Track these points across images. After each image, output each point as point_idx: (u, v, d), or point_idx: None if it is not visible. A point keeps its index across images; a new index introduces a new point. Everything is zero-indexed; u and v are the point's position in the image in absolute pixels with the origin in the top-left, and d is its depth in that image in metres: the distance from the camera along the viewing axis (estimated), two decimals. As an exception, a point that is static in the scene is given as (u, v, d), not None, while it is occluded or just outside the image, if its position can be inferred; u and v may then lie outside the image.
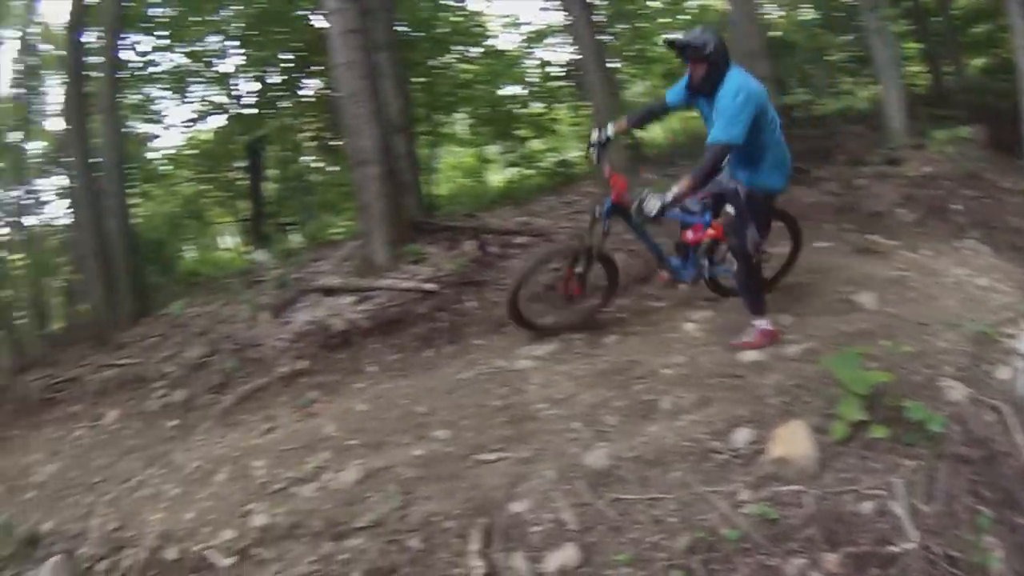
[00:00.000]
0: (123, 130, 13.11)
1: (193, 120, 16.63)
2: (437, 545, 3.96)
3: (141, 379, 8.58)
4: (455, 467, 4.64)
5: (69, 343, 12.29)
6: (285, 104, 15.85)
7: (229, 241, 20.09)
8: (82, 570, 4.81)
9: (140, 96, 16.00)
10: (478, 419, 5.25)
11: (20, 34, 17.23)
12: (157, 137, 17.02)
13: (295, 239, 16.36)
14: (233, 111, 15.99)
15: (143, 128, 16.43)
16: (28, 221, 17.65)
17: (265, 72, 15.05)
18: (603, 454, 4.22)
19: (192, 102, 16.38)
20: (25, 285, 17.27)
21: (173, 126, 17.03)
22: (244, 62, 15.76)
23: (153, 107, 16.38)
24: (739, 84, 4.84)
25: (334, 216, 17.88)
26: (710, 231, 5.61)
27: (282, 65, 14.62)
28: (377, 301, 7.64)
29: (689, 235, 5.86)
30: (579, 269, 6.16)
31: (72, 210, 12.20)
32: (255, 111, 15.85)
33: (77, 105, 12.13)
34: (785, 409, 4.26)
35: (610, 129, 5.84)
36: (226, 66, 16.07)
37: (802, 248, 6.59)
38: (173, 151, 17.52)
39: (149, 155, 17.14)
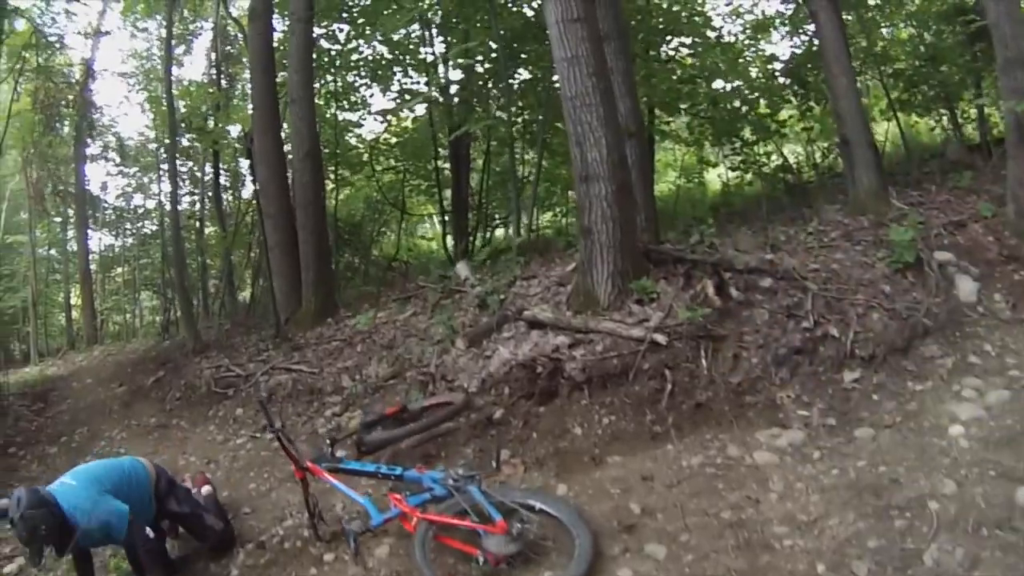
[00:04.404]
0: (316, 118, 12.98)
1: (395, 108, 16.00)
2: None
3: (314, 391, 8.18)
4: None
5: (249, 329, 12.16)
6: (492, 92, 15.05)
7: (431, 230, 19.57)
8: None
9: (340, 84, 15.82)
10: (703, 535, 4.44)
11: (213, 25, 17.44)
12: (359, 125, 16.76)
13: (501, 235, 16.09)
14: (437, 100, 15.15)
15: (343, 115, 16.31)
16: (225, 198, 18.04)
17: (470, 61, 14.00)
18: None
19: (394, 91, 15.98)
20: (218, 256, 17.57)
21: (375, 114, 16.60)
22: (446, 51, 15.07)
23: (354, 95, 16.18)
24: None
25: (543, 211, 17.01)
26: None
27: (492, 55, 13.46)
28: (594, 347, 6.48)
29: None
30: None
31: (259, 197, 11.69)
32: (460, 101, 15.13)
33: (264, 92, 12.07)
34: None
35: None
36: (430, 55, 15.64)
37: None
38: (374, 138, 17.21)
39: (351, 141, 16.77)
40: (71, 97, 18.84)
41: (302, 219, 11.20)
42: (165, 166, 18.95)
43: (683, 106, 14.84)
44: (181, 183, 17.90)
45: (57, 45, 17.47)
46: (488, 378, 6.57)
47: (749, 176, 15.28)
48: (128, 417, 9.75)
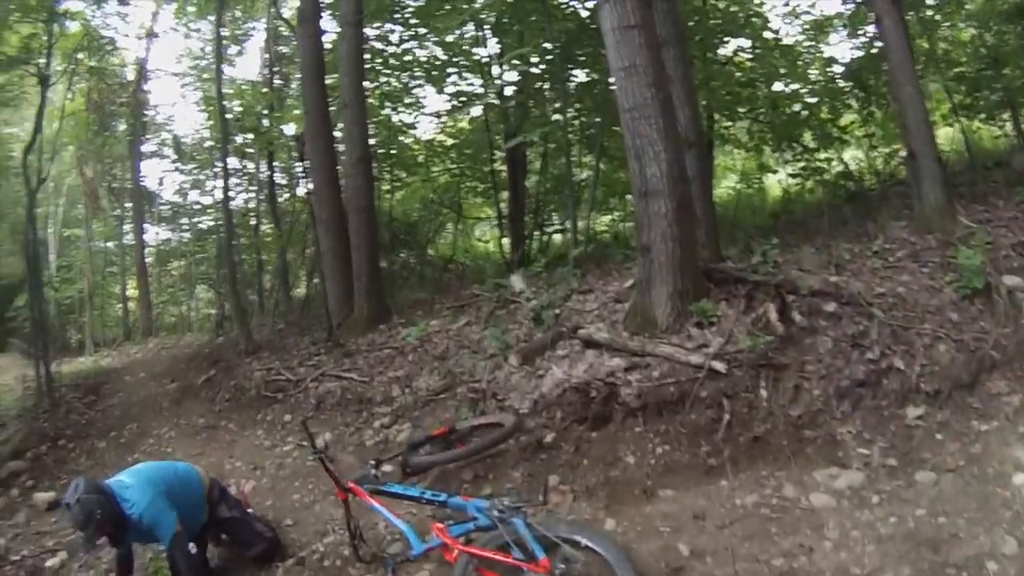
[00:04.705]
0: (370, 119, 13.08)
1: (450, 109, 16.01)
2: None
3: (363, 401, 8.06)
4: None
5: (302, 331, 12.12)
6: (548, 94, 14.59)
7: (488, 231, 19.49)
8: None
9: (395, 85, 15.47)
10: (751, 585, 4.30)
11: (266, 26, 17.50)
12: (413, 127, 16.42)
13: (559, 240, 15.68)
14: (493, 103, 14.89)
15: (398, 117, 15.94)
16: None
17: (524, 63, 13.72)
18: None
19: (449, 92, 15.61)
20: (274, 251, 17.54)
21: (430, 115, 16.58)
22: (500, 52, 14.83)
23: (408, 96, 15.80)
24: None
25: (601, 213, 16.62)
26: None
27: (547, 56, 13.15)
28: (651, 372, 6.25)
29: None
30: None
31: (311, 201, 11.65)
32: (516, 104, 14.89)
33: (316, 98, 11.88)
34: None
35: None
36: (484, 55, 15.29)
37: None
38: (429, 139, 17.04)
39: (405, 142, 16.65)
40: (124, 97, 19.02)
41: (355, 224, 11.05)
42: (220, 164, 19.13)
43: (742, 110, 14.47)
44: (237, 181, 17.96)
45: (109, 47, 17.61)
46: (540, 399, 6.40)
47: (810, 184, 14.74)
48: (178, 415, 9.82)
